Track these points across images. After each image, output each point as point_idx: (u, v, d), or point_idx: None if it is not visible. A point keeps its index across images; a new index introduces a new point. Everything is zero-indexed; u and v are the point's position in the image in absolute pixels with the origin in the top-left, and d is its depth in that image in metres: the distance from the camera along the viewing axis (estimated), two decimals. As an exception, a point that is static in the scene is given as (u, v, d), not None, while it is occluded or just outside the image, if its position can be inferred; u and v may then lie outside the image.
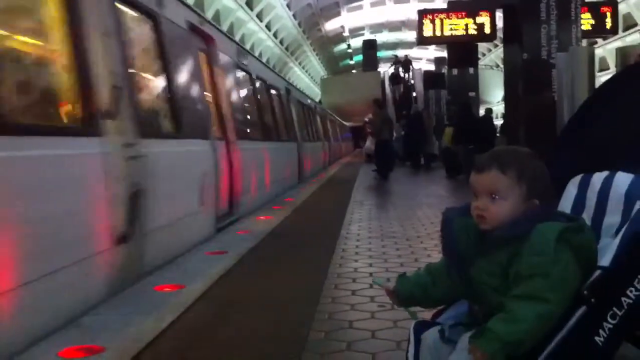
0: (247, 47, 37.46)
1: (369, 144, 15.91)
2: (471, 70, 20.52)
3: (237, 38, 35.68)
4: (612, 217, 1.78)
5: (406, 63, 31.23)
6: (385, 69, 41.15)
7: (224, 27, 33.85)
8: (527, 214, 1.69)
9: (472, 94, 20.41)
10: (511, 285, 1.62)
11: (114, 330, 3.44)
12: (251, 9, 38.30)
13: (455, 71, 20.49)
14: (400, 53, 42.21)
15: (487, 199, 1.74)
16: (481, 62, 37.23)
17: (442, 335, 1.77)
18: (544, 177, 1.75)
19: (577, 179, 1.92)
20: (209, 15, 31.59)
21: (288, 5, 43.40)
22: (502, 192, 1.73)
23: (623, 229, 1.59)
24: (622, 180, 1.80)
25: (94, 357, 3.04)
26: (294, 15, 46.08)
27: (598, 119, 2.02)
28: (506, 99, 15.59)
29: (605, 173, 1.86)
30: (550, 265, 1.55)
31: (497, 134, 17.06)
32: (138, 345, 3.21)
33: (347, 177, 16.41)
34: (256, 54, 38.72)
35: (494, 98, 36.16)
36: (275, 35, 45.71)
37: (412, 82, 31.95)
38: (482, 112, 20.10)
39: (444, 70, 23.83)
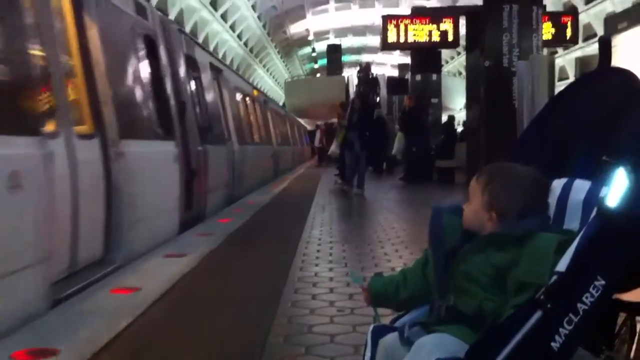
0: (211, 47, 37.28)
1: (334, 147, 15.78)
2: (434, 76, 20.67)
3: (200, 38, 35.51)
4: (571, 224, 1.80)
5: (373, 82, 30.24)
6: (350, 74, 41.20)
7: (188, 28, 33.63)
8: (526, 220, 1.75)
9: (434, 100, 20.57)
10: (506, 287, 1.66)
11: (68, 332, 3.38)
12: (215, 9, 38.10)
13: (418, 77, 20.60)
14: (365, 58, 42.32)
15: (468, 202, 1.88)
16: (444, 69, 37.57)
17: (401, 335, 1.77)
18: (512, 198, 1.79)
19: (536, 186, 1.94)
20: (172, 15, 31.35)
21: (253, 7, 43.31)
22: (470, 196, 1.86)
23: (579, 235, 1.61)
24: (580, 187, 1.83)
25: (48, 359, 2.97)
26: (259, 17, 45.99)
27: (555, 125, 2.04)
28: (467, 105, 15.74)
29: (564, 180, 1.88)
30: (547, 276, 1.57)
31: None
32: (93, 348, 3.15)
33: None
34: (220, 55, 38.58)
35: (456, 105, 36.48)
36: (239, 36, 45.54)
37: (378, 99, 31.43)
38: (444, 118, 20.30)
39: (408, 76, 23.97)
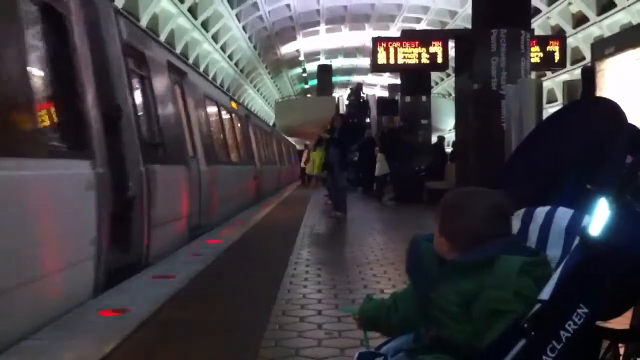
0: (202, 68, 37.35)
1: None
2: (424, 98, 20.77)
3: (191, 59, 35.59)
4: (553, 251, 1.81)
5: (364, 104, 30.13)
6: (340, 94, 41.37)
7: (179, 48, 33.71)
8: (487, 244, 1.72)
9: (424, 121, 20.67)
10: (472, 316, 1.63)
11: (55, 354, 3.37)
12: (207, 30, 38.21)
13: (408, 98, 20.70)
14: (356, 79, 42.49)
15: None
16: (434, 91, 37.78)
17: (385, 361, 1.77)
18: (460, 223, 1.78)
19: (520, 212, 1.95)
20: (163, 35, 31.44)
21: (244, 28, 43.46)
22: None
23: (562, 264, 1.63)
24: (563, 215, 1.84)
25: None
26: (249, 38, 46.14)
27: (540, 153, 2.06)
28: (456, 127, 15.82)
29: (547, 208, 1.90)
30: (512, 301, 1.57)
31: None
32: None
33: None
34: (210, 75, 38.65)
35: (446, 126, 36.69)
36: (230, 57, 45.66)
37: (368, 120, 31.57)
38: (434, 139, 20.40)
39: (397, 97, 24.08)
